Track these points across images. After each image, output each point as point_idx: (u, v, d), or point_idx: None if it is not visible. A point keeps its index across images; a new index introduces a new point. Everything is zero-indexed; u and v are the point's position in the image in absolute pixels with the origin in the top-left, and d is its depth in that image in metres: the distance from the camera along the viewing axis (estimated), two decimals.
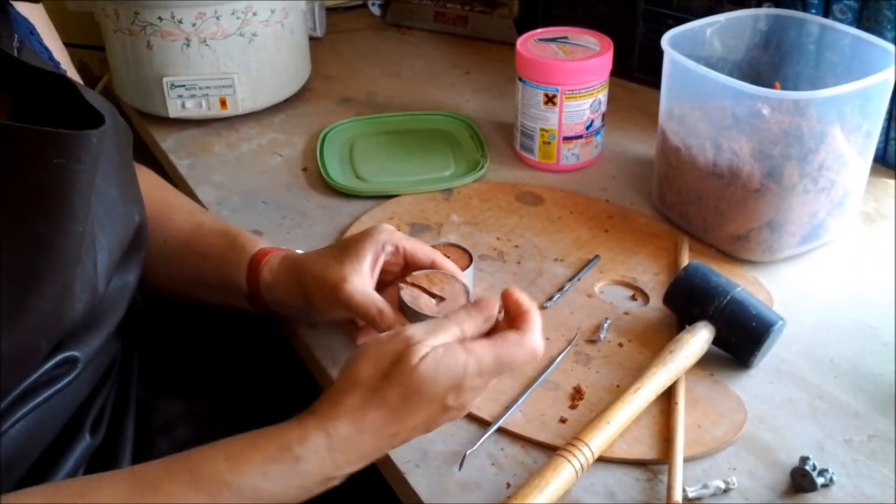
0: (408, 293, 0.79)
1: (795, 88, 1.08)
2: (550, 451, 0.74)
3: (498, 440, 0.78)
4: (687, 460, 0.74)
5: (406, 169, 1.18)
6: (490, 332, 0.70)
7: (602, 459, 0.75)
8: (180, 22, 1.20)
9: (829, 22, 1.06)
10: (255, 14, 1.23)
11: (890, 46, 0.96)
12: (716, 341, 0.84)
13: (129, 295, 0.79)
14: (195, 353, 0.95)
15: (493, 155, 1.21)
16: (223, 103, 1.27)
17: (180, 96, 1.25)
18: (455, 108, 1.34)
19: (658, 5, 1.31)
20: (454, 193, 1.12)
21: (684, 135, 1.01)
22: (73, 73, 0.85)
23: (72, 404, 0.74)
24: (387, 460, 0.76)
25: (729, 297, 0.84)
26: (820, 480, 0.72)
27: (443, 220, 1.07)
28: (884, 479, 0.74)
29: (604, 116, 1.18)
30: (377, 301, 0.79)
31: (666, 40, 1.00)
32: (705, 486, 0.72)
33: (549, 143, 1.16)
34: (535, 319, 0.69)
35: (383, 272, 0.84)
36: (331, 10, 1.67)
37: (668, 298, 0.89)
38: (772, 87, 1.05)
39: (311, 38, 1.46)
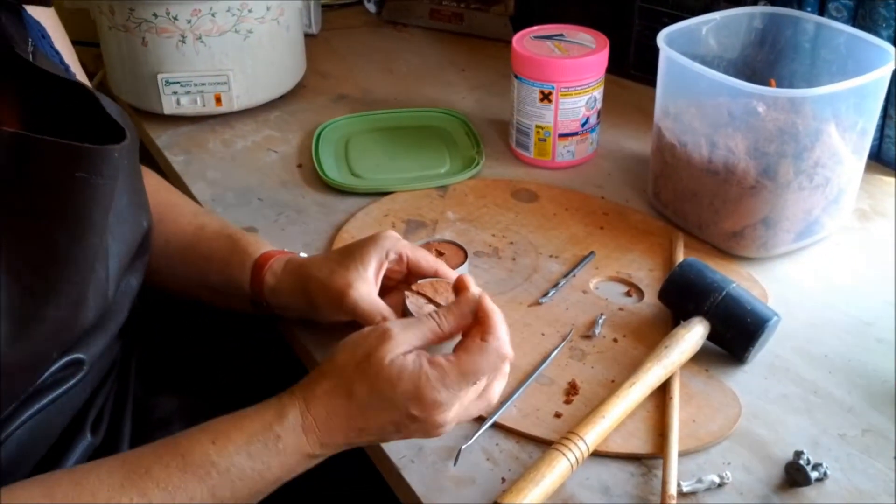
0: (413, 301, 0.80)
1: (791, 86, 1.08)
2: (545, 445, 0.74)
3: (493, 435, 0.78)
4: (682, 455, 0.74)
5: (401, 166, 1.18)
6: (464, 336, 0.70)
7: (597, 454, 0.75)
8: (175, 18, 1.20)
9: (824, 20, 1.06)
10: (250, 11, 1.23)
11: (885, 44, 0.96)
12: (710, 337, 0.85)
13: (132, 297, 0.79)
14: (195, 352, 0.95)
15: (489, 152, 1.21)
16: (218, 100, 1.27)
17: (175, 93, 1.25)
18: (450, 105, 1.34)
19: (654, 3, 1.32)
20: (450, 190, 1.12)
21: (680, 132, 1.01)
22: (81, 77, 0.85)
23: (75, 405, 0.75)
24: (382, 455, 0.76)
25: (724, 293, 0.84)
26: (814, 475, 0.72)
27: (438, 216, 1.07)
28: (877, 473, 0.74)
29: (599, 114, 1.18)
30: (382, 308, 0.80)
31: (662, 38, 1.01)
32: (700, 481, 0.72)
33: (545, 140, 1.16)
34: (498, 324, 0.69)
35: (385, 278, 0.85)
36: (326, 7, 1.67)
37: (664, 294, 0.90)
38: (767, 84, 1.05)
39: (307, 35, 1.46)
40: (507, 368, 0.72)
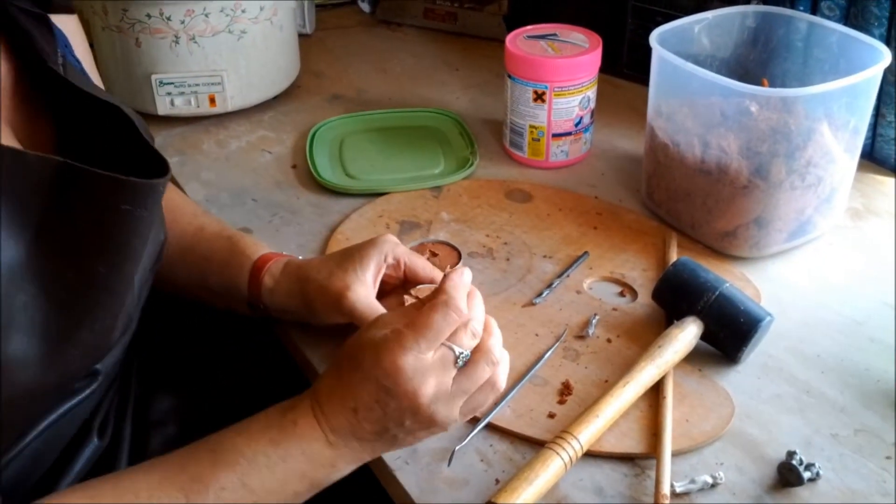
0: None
1: (783, 85, 1.09)
2: (539, 446, 0.74)
3: (487, 436, 0.78)
4: (675, 455, 0.75)
5: (396, 166, 1.18)
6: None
7: (590, 454, 0.75)
8: (169, 19, 1.20)
9: (816, 19, 1.06)
10: (243, 11, 1.23)
11: (877, 43, 0.97)
12: (704, 337, 0.85)
13: (142, 306, 0.80)
14: (193, 352, 0.96)
15: (483, 152, 1.21)
16: (212, 101, 1.27)
17: (169, 94, 1.25)
18: (444, 104, 1.34)
19: (647, 2, 1.32)
20: (444, 191, 1.12)
21: (672, 132, 1.01)
22: (98, 83, 0.86)
23: (86, 412, 0.75)
24: (377, 457, 0.76)
25: (717, 292, 0.85)
26: (806, 475, 0.72)
27: (432, 217, 1.07)
28: (870, 473, 0.74)
29: (593, 113, 1.18)
30: (379, 311, 0.81)
31: (654, 37, 1.01)
32: (693, 481, 0.72)
33: (539, 140, 1.16)
34: (450, 287, 0.69)
35: (382, 282, 0.85)
36: (320, 7, 1.67)
37: (657, 294, 0.90)
38: (760, 84, 1.06)
39: (301, 35, 1.46)
40: (500, 354, 0.71)
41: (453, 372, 0.68)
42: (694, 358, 0.84)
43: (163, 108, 1.26)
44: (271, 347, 0.95)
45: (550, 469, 0.70)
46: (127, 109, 0.73)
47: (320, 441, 0.68)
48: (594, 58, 1.13)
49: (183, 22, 1.20)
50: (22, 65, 0.71)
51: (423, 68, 1.48)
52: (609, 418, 0.76)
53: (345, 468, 0.70)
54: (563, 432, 0.73)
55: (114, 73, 1.28)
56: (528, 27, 1.20)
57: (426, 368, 0.66)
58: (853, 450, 0.76)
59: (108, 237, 0.65)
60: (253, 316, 0.90)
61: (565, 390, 0.82)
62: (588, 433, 0.74)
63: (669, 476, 0.72)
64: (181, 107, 1.27)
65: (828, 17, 1.12)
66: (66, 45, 0.79)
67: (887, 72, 1.04)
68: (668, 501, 0.70)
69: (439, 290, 0.69)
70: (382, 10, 1.65)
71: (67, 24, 0.82)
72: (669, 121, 1.02)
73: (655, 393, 0.81)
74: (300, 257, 0.90)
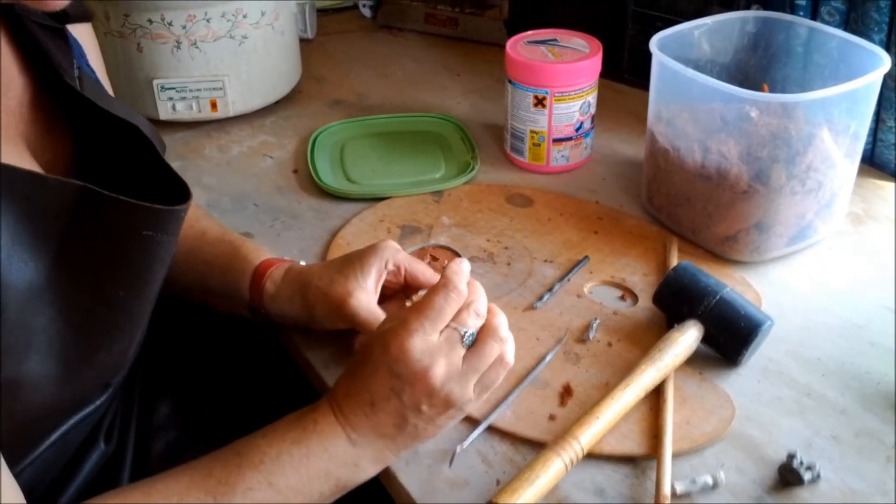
0: None
1: (783, 91, 1.09)
2: (540, 448, 0.74)
3: (488, 438, 0.78)
4: (675, 456, 0.75)
5: (396, 171, 1.18)
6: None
7: (591, 455, 0.75)
8: (170, 24, 1.20)
9: (816, 24, 1.06)
10: (245, 16, 1.24)
11: (877, 49, 0.97)
12: (704, 340, 0.85)
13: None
14: (195, 355, 0.96)
15: (483, 157, 1.21)
16: (214, 105, 1.27)
17: (170, 98, 1.26)
18: (445, 109, 1.35)
19: (647, 7, 1.32)
20: (444, 195, 1.13)
21: (673, 137, 1.02)
22: (109, 89, 0.86)
23: (94, 420, 0.76)
24: None
25: (718, 296, 0.85)
26: (807, 476, 0.72)
27: (433, 222, 1.08)
28: (870, 475, 0.74)
29: (593, 118, 1.18)
30: (381, 316, 0.81)
31: (654, 43, 1.01)
32: (693, 482, 0.72)
33: (539, 145, 1.16)
34: (450, 272, 0.70)
35: (383, 288, 0.85)
36: (321, 12, 1.68)
37: (658, 298, 0.90)
38: (760, 89, 1.06)
39: (302, 40, 1.47)
40: (506, 333, 0.71)
41: (462, 351, 0.69)
42: (694, 361, 0.84)
43: (164, 112, 1.26)
44: (273, 350, 0.95)
45: (551, 470, 0.70)
46: (143, 124, 0.73)
47: (341, 438, 0.69)
48: (594, 63, 1.14)
49: (184, 27, 1.21)
50: (39, 80, 0.71)
51: (423, 73, 1.48)
52: (610, 420, 0.76)
53: (369, 468, 0.71)
54: (565, 434, 0.73)
55: (115, 78, 1.28)
56: (529, 32, 1.20)
57: (434, 349, 0.67)
58: (854, 451, 0.76)
59: (128, 262, 0.65)
60: (251, 320, 0.90)
61: (566, 393, 0.82)
62: (589, 435, 0.74)
63: (670, 477, 0.72)
64: (183, 112, 1.27)
65: (828, 23, 1.12)
66: (82, 56, 0.79)
67: (887, 77, 1.04)
68: (668, 502, 0.70)
69: (440, 279, 0.70)
70: (383, 15, 1.66)
71: (82, 33, 0.82)
72: (670, 126, 1.02)
73: (656, 396, 0.81)
74: (301, 263, 0.90)
